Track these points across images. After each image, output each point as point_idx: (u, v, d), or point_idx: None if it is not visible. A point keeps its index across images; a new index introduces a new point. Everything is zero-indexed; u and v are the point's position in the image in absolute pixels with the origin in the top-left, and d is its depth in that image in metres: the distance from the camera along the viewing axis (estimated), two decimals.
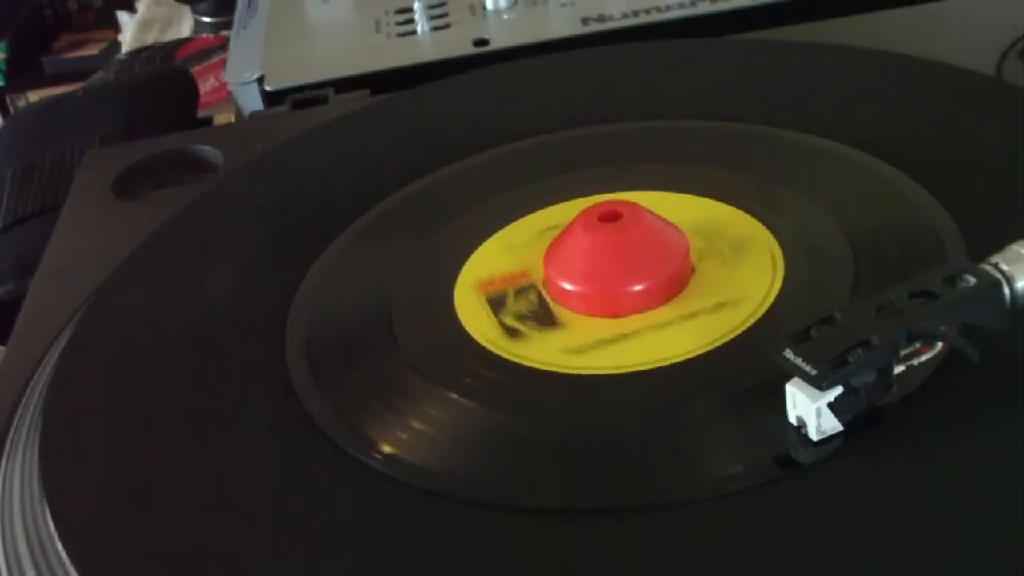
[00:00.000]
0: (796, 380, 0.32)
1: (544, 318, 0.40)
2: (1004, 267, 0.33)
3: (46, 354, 0.45)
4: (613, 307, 0.39)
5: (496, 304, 0.41)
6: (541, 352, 0.38)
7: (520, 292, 0.41)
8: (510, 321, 0.40)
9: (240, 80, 0.66)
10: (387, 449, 0.36)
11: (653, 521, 0.32)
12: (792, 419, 0.33)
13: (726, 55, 0.56)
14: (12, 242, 0.61)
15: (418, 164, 0.50)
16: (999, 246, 0.34)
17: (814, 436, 0.32)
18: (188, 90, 0.75)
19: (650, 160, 0.48)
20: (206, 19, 1.07)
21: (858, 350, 0.32)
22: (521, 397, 0.37)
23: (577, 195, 0.45)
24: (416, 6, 0.68)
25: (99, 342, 0.44)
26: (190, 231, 0.50)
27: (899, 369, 0.32)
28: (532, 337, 0.39)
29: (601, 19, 0.65)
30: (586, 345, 0.38)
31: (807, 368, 0.31)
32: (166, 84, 0.76)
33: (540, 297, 0.41)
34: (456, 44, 0.65)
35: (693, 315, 0.39)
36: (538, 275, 0.42)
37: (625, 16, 0.65)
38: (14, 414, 0.42)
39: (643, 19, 0.64)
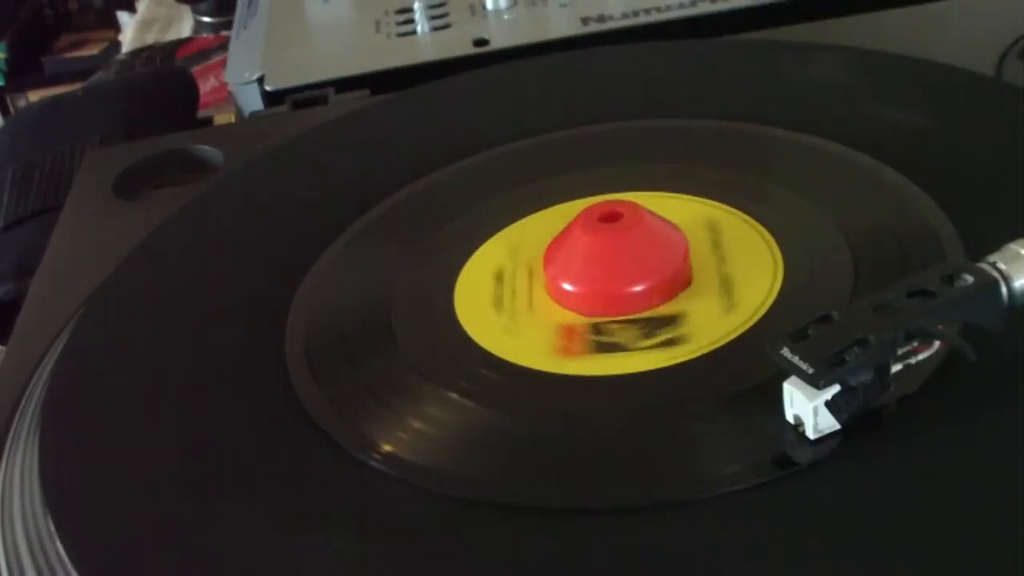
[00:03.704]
0: (794, 379, 0.32)
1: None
2: (1002, 266, 0.33)
3: (46, 354, 0.45)
4: (613, 307, 0.39)
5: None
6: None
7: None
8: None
9: (240, 80, 0.66)
10: (387, 449, 0.36)
11: (652, 521, 0.32)
12: (789, 417, 0.33)
13: (726, 55, 0.56)
14: (12, 242, 0.61)
15: (418, 164, 0.50)
16: (997, 246, 0.34)
17: (811, 435, 0.32)
18: (188, 90, 0.75)
19: (650, 160, 0.48)
20: (206, 19, 1.07)
21: (856, 349, 0.32)
22: (521, 397, 0.37)
23: (577, 195, 0.45)
24: (416, 6, 0.68)
25: (99, 342, 0.44)
26: (190, 231, 0.50)
27: (897, 368, 0.33)
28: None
29: (601, 19, 0.65)
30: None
31: (804, 366, 0.31)
32: (166, 84, 0.76)
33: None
34: (456, 44, 0.65)
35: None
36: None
37: (625, 16, 0.65)
38: (14, 414, 0.42)
39: (643, 19, 0.64)
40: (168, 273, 0.47)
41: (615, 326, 0.39)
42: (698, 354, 0.37)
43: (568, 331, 0.39)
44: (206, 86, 0.86)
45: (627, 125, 0.51)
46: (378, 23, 0.70)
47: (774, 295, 0.39)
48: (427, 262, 0.44)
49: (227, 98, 0.79)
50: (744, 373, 0.36)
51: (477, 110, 0.55)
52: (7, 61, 1.61)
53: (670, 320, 0.38)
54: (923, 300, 0.33)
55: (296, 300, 0.43)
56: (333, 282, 0.44)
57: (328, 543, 0.33)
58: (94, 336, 0.44)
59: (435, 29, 0.67)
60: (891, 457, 0.32)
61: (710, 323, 0.38)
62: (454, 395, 0.37)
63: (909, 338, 0.32)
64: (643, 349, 0.37)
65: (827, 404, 0.32)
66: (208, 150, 0.57)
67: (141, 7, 1.22)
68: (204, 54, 0.95)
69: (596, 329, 0.39)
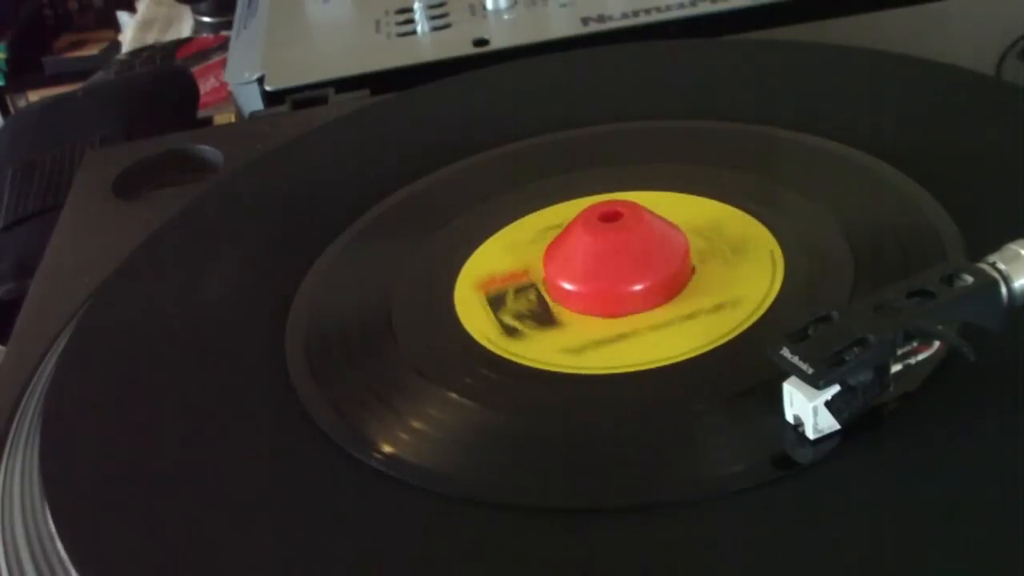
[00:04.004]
0: (793, 379, 0.32)
1: (544, 318, 0.40)
2: (1002, 266, 0.33)
3: (46, 354, 0.45)
4: (613, 307, 0.39)
5: (496, 304, 0.41)
6: (541, 352, 0.38)
7: (520, 292, 0.41)
8: (510, 321, 0.40)
9: (240, 80, 0.66)
10: (387, 449, 0.36)
11: (652, 521, 0.32)
12: (789, 417, 0.33)
13: (726, 55, 0.56)
14: (12, 242, 0.61)
15: (418, 164, 0.50)
16: (998, 246, 0.34)
17: (811, 435, 0.32)
18: (188, 90, 0.75)
19: (650, 160, 0.48)
20: (206, 19, 1.07)
21: (855, 349, 0.32)
22: (521, 397, 0.37)
23: (577, 195, 0.45)
24: (416, 6, 0.69)
25: (99, 342, 0.44)
26: (190, 231, 0.50)
27: (896, 368, 0.33)
28: (532, 337, 0.39)
29: (601, 19, 0.65)
30: (586, 345, 0.38)
31: (804, 367, 0.31)
32: (166, 84, 0.76)
33: (540, 297, 0.41)
34: (456, 44, 0.65)
35: (692, 315, 0.39)
36: (538, 275, 0.42)
37: (625, 16, 0.65)
38: (14, 414, 0.42)
39: (643, 19, 0.64)
40: (168, 273, 0.47)
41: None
42: (697, 353, 0.37)
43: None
44: (206, 86, 0.86)
45: (627, 125, 0.51)
46: (378, 23, 0.70)
47: (774, 294, 0.39)
48: (427, 262, 0.44)
49: (227, 98, 0.79)
50: (744, 373, 0.35)
51: (477, 110, 0.55)
52: (7, 61, 1.61)
53: None
54: (923, 300, 0.33)
55: (296, 300, 0.43)
56: (333, 282, 0.44)
57: (328, 543, 0.33)
58: (94, 336, 0.44)
59: (435, 29, 0.67)
60: (891, 457, 0.32)
61: (710, 322, 0.38)
62: (454, 395, 0.37)
63: (909, 338, 0.32)
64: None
65: (827, 404, 0.32)
66: (208, 150, 0.57)
67: (141, 7, 1.22)
68: (204, 54, 0.95)
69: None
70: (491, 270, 0.43)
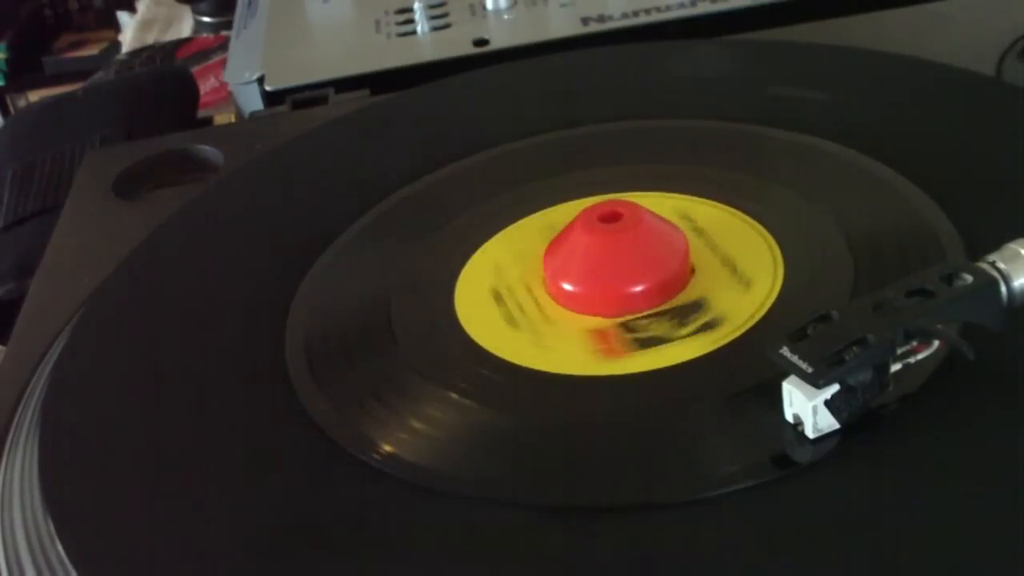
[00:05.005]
0: (793, 378, 0.32)
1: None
2: (1001, 266, 0.33)
3: (46, 354, 0.45)
4: (613, 307, 0.39)
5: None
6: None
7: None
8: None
9: (240, 80, 0.66)
10: (387, 449, 0.36)
11: (652, 521, 0.32)
12: (789, 417, 0.33)
13: (725, 55, 0.56)
14: (12, 242, 0.61)
15: (418, 164, 0.50)
16: (997, 245, 0.34)
17: (810, 434, 0.32)
18: (188, 90, 0.75)
19: (650, 160, 0.48)
20: (206, 19, 1.07)
21: (855, 348, 0.32)
22: (521, 397, 0.37)
23: (577, 195, 0.45)
24: (416, 6, 0.68)
25: (99, 342, 0.44)
26: (190, 231, 0.50)
27: (896, 367, 0.33)
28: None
29: (601, 19, 0.65)
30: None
31: (803, 366, 0.31)
32: (166, 84, 0.76)
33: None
34: (456, 44, 0.65)
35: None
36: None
37: (625, 16, 0.65)
38: (14, 414, 0.42)
39: (643, 19, 0.64)
40: (168, 273, 0.47)
41: (646, 321, 0.38)
42: (696, 354, 0.37)
43: (602, 335, 0.38)
44: (206, 86, 0.86)
45: (627, 125, 0.51)
46: (378, 23, 0.70)
47: (775, 294, 0.39)
48: (427, 262, 0.44)
49: (227, 98, 0.79)
50: (743, 372, 0.36)
51: (477, 110, 0.55)
52: (7, 61, 1.61)
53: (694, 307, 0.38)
54: (922, 299, 0.33)
55: (296, 300, 0.43)
56: (333, 282, 0.44)
57: (328, 544, 0.33)
58: (94, 336, 0.44)
59: (435, 29, 0.67)
60: (890, 456, 0.32)
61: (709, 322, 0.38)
62: (454, 395, 0.37)
63: (908, 337, 0.32)
64: (684, 338, 0.38)
65: (826, 403, 0.32)
66: (208, 150, 0.57)
67: (141, 7, 1.22)
68: (204, 54, 0.95)
69: (628, 327, 0.38)
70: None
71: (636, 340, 0.38)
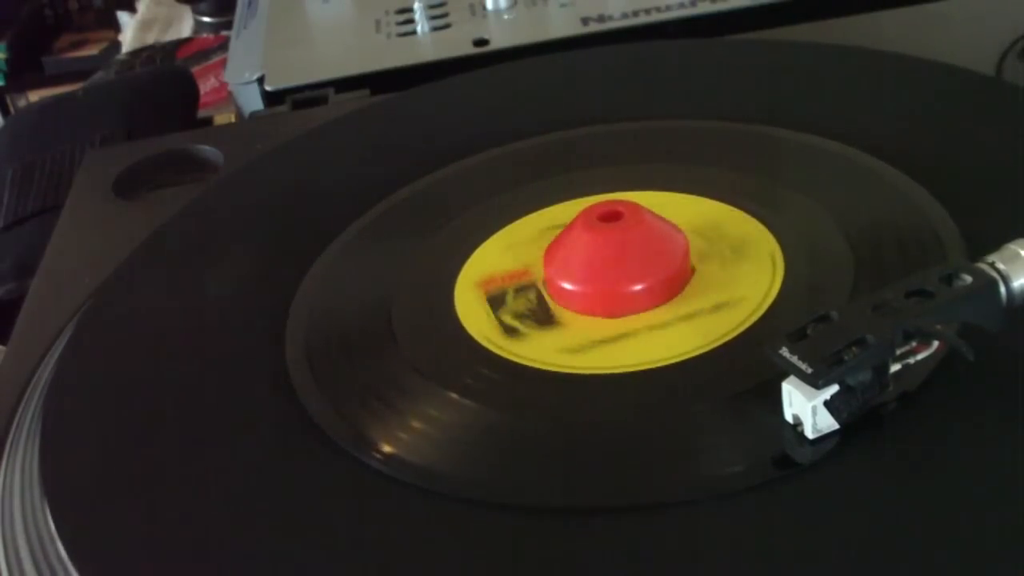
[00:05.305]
0: (793, 378, 0.32)
1: (544, 317, 0.40)
2: (1001, 266, 0.33)
3: (46, 354, 0.45)
4: (613, 307, 0.39)
5: (496, 303, 0.41)
6: (541, 351, 0.38)
7: (520, 291, 0.41)
8: (510, 320, 0.40)
9: (240, 80, 0.66)
10: (387, 449, 0.36)
11: (652, 521, 0.32)
12: (788, 417, 0.33)
13: (725, 55, 0.56)
14: (12, 242, 0.61)
15: (418, 164, 0.50)
16: (997, 246, 0.34)
17: (810, 434, 0.32)
18: (188, 90, 0.75)
19: (650, 160, 0.48)
20: (206, 19, 1.07)
21: (854, 349, 0.32)
22: (521, 397, 0.37)
23: (577, 195, 0.45)
24: (416, 6, 0.69)
25: (99, 342, 0.44)
26: (190, 231, 0.50)
27: (895, 368, 0.33)
28: (532, 336, 0.39)
29: (601, 19, 0.65)
30: (585, 345, 0.38)
31: (803, 366, 0.31)
32: (166, 84, 0.76)
33: (540, 296, 0.41)
34: (456, 44, 0.65)
35: (692, 315, 0.39)
36: (538, 275, 0.42)
37: (625, 16, 0.65)
38: (14, 414, 0.42)
39: (643, 19, 0.64)
40: (168, 273, 0.47)
41: None
42: (697, 353, 0.37)
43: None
44: (206, 86, 0.86)
45: (627, 125, 0.51)
46: (378, 23, 0.70)
47: (774, 294, 0.39)
48: (427, 262, 0.44)
49: (227, 98, 0.79)
50: (743, 373, 0.36)
51: (477, 110, 0.55)
52: (7, 61, 1.61)
53: None
54: (922, 300, 0.33)
55: (296, 300, 0.43)
56: (333, 282, 0.44)
57: (328, 544, 0.33)
58: (94, 336, 0.44)
59: (435, 29, 0.67)
60: (890, 456, 0.32)
61: (709, 322, 0.38)
62: (454, 395, 0.37)
63: (907, 338, 0.32)
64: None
65: (826, 404, 0.32)
66: (208, 150, 0.57)
67: (141, 7, 1.22)
68: (204, 54, 0.95)
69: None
70: (491, 270, 0.43)
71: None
